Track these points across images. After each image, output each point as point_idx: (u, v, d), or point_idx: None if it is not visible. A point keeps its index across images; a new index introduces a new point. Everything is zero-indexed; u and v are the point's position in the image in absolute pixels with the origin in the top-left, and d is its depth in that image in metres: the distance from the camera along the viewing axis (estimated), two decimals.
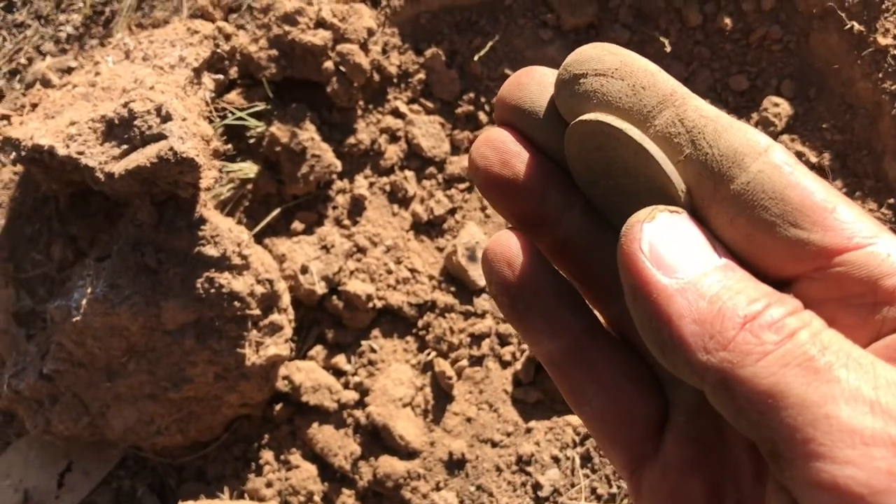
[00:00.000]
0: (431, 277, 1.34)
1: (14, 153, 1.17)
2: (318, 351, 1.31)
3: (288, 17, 1.32)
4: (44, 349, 1.23)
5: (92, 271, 1.14)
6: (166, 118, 1.08)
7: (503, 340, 1.31)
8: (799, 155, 1.30)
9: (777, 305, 0.29)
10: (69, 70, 1.40)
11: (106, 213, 1.30)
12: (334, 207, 1.36)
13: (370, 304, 1.30)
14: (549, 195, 0.37)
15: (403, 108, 1.39)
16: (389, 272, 1.33)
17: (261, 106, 1.33)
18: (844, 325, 0.30)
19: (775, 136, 1.32)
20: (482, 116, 1.40)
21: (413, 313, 1.32)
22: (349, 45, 1.32)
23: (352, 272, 1.32)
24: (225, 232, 1.14)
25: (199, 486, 1.28)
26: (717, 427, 0.34)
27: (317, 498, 1.25)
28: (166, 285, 1.13)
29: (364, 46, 1.35)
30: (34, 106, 1.32)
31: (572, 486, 1.22)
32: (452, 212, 1.38)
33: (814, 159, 1.31)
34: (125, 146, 1.10)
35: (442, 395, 1.29)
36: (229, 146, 1.32)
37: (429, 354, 1.30)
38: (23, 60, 1.43)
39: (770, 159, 0.31)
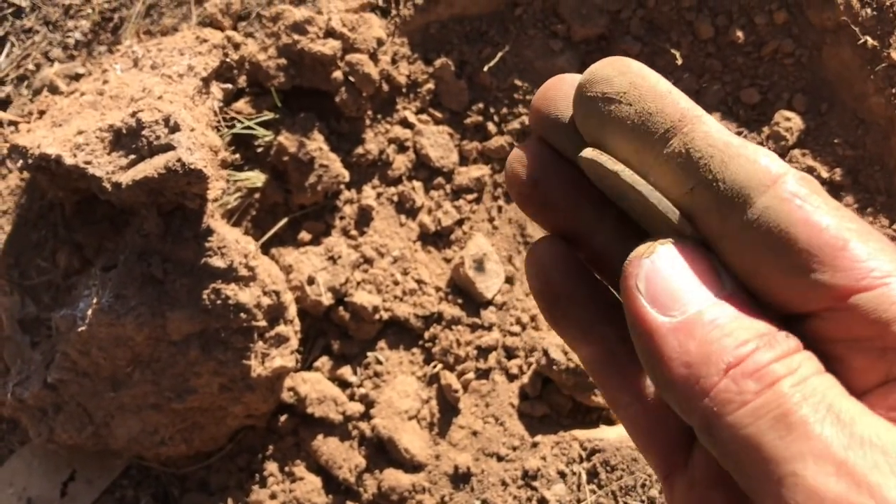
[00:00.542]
0: (438, 289, 1.33)
1: (21, 161, 1.17)
2: (324, 362, 1.31)
3: (297, 26, 1.31)
4: (48, 358, 1.22)
5: (98, 281, 1.14)
6: (174, 129, 1.07)
7: (510, 353, 1.30)
8: (810, 170, 1.29)
9: (765, 349, 0.28)
10: (77, 76, 1.40)
11: (112, 221, 1.30)
12: (341, 218, 1.35)
13: (376, 316, 1.29)
14: (581, 210, 0.37)
15: (412, 118, 1.38)
16: (396, 283, 1.32)
17: (269, 115, 1.32)
18: (853, 366, 0.29)
19: (787, 150, 1.31)
20: (491, 127, 1.39)
21: (419, 325, 1.31)
22: (358, 55, 1.32)
23: (358, 283, 1.31)
24: (232, 243, 1.13)
25: (202, 497, 1.27)
26: None
27: None
28: (172, 296, 1.12)
29: (373, 56, 1.34)
30: (42, 113, 1.32)
31: (578, 501, 1.21)
32: (460, 223, 1.37)
33: (825, 174, 1.30)
34: (133, 156, 1.09)
35: (448, 407, 1.29)
36: (237, 155, 1.32)
37: (435, 367, 1.29)
38: (31, 66, 1.43)
39: (778, 192, 0.30)
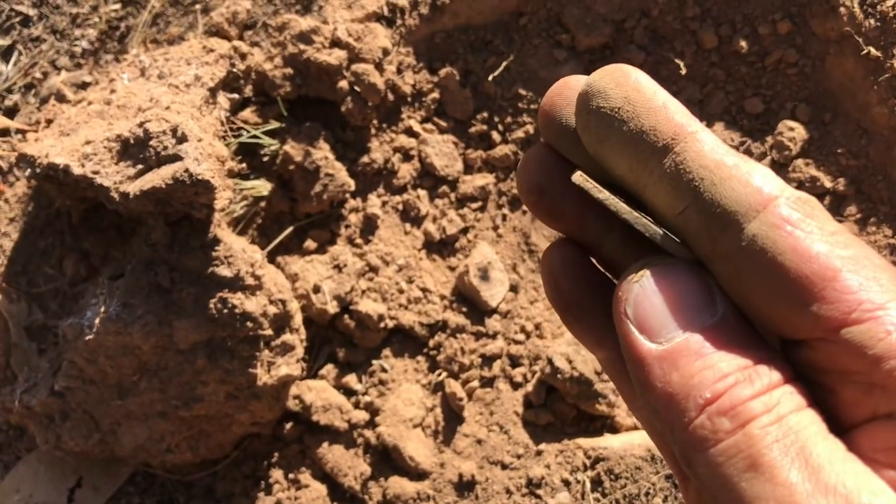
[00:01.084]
0: (443, 297, 1.34)
1: (29, 169, 1.18)
2: (329, 370, 1.31)
3: (303, 36, 1.32)
4: (55, 365, 1.23)
5: (105, 290, 1.14)
6: (182, 139, 1.08)
7: (514, 362, 1.31)
8: (813, 180, 1.30)
9: (745, 385, 0.28)
10: (84, 85, 1.41)
11: (118, 229, 1.31)
12: (347, 226, 1.36)
13: (382, 324, 1.30)
14: (587, 219, 0.37)
15: (417, 128, 1.39)
16: (401, 292, 1.33)
17: (275, 124, 1.33)
18: (843, 399, 0.29)
19: (790, 160, 1.32)
20: (495, 136, 1.40)
21: (424, 333, 1.32)
22: (364, 65, 1.33)
23: (364, 291, 1.32)
24: (238, 252, 1.14)
25: None
26: None
27: None
28: (179, 305, 1.13)
29: (379, 66, 1.35)
30: (49, 122, 1.32)
31: None
32: (465, 231, 1.38)
33: (828, 184, 1.31)
34: (140, 166, 1.10)
35: (452, 416, 1.29)
36: (243, 164, 1.33)
37: (439, 375, 1.30)
38: (38, 75, 1.44)
39: (769, 218, 0.29)
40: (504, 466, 1.26)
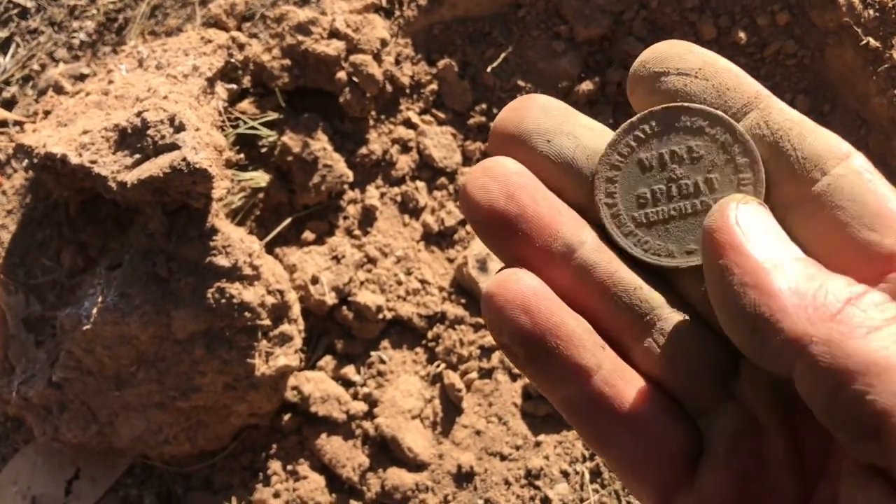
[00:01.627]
0: (441, 289, 1.34)
1: (27, 160, 1.18)
2: (328, 361, 1.31)
3: (301, 27, 1.32)
4: (53, 357, 1.23)
5: (103, 280, 1.14)
6: (179, 128, 1.08)
7: None
8: None
9: (874, 291, 0.29)
10: (82, 77, 1.40)
11: (116, 220, 1.30)
12: (345, 217, 1.36)
13: (380, 315, 1.30)
14: (560, 230, 0.35)
15: (415, 119, 1.39)
16: (399, 283, 1.32)
17: (273, 115, 1.32)
18: None
19: None
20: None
21: (423, 325, 1.31)
22: (362, 56, 1.32)
23: (362, 283, 1.32)
24: (236, 242, 1.14)
25: (206, 496, 1.27)
26: (757, 453, 0.34)
27: None
28: (177, 295, 1.13)
29: (377, 57, 1.35)
30: (47, 113, 1.32)
31: (581, 500, 1.22)
32: (463, 223, 1.37)
33: None
34: (138, 155, 1.10)
35: (451, 407, 1.29)
36: (241, 155, 1.32)
37: (438, 366, 1.30)
38: (36, 67, 1.44)
39: (851, 165, 0.32)
40: (503, 457, 1.26)
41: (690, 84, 0.34)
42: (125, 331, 1.12)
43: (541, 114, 0.36)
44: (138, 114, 1.10)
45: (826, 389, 0.28)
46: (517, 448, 1.26)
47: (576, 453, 1.24)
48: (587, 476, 1.22)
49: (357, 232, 1.35)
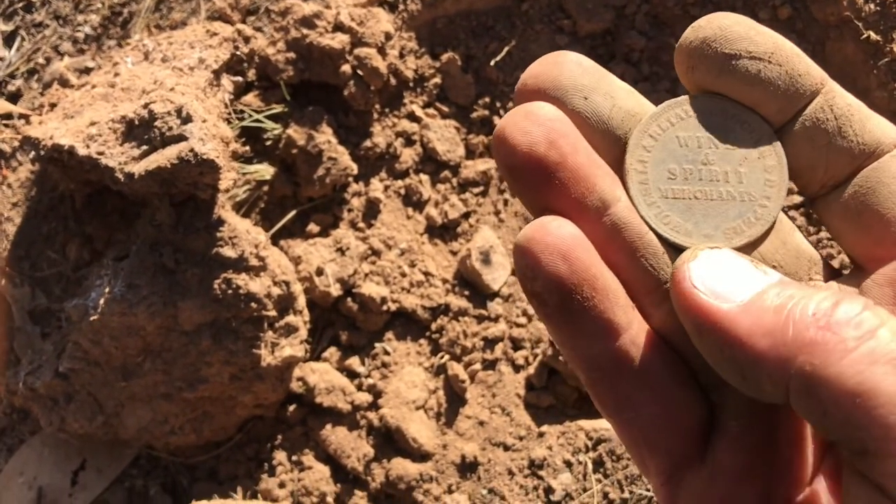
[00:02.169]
0: (445, 281, 1.35)
1: (33, 152, 1.18)
2: (332, 353, 1.32)
3: (306, 20, 1.33)
4: (59, 348, 1.23)
5: (110, 271, 1.15)
6: (186, 119, 1.09)
7: (516, 344, 1.31)
8: None
9: (848, 302, 0.28)
10: (87, 70, 1.41)
11: (122, 213, 1.31)
12: (349, 210, 1.37)
13: (384, 307, 1.30)
14: (597, 184, 0.34)
15: (419, 112, 1.39)
16: (403, 275, 1.33)
17: (278, 108, 1.33)
18: None
19: None
20: (497, 121, 1.40)
21: (427, 316, 1.32)
22: (367, 49, 1.33)
23: (366, 275, 1.33)
24: (243, 233, 1.15)
25: (211, 486, 1.28)
26: (769, 431, 0.34)
27: (329, 499, 1.25)
28: (184, 286, 1.13)
29: (381, 50, 1.35)
30: (52, 106, 1.33)
31: (584, 490, 1.22)
32: (466, 216, 1.38)
33: None
34: (145, 147, 1.10)
35: (455, 398, 1.30)
36: (246, 148, 1.33)
37: (442, 357, 1.31)
38: (41, 60, 1.44)
39: None
40: (506, 448, 1.27)
41: (764, 70, 0.34)
42: (132, 321, 1.13)
43: (577, 70, 0.34)
44: (145, 105, 1.11)
45: (813, 418, 0.28)
46: (520, 438, 1.27)
47: (579, 444, 1.25)
48: (590, 466, 1.23)
49: (361, 224, 1.36)
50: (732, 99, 0.35)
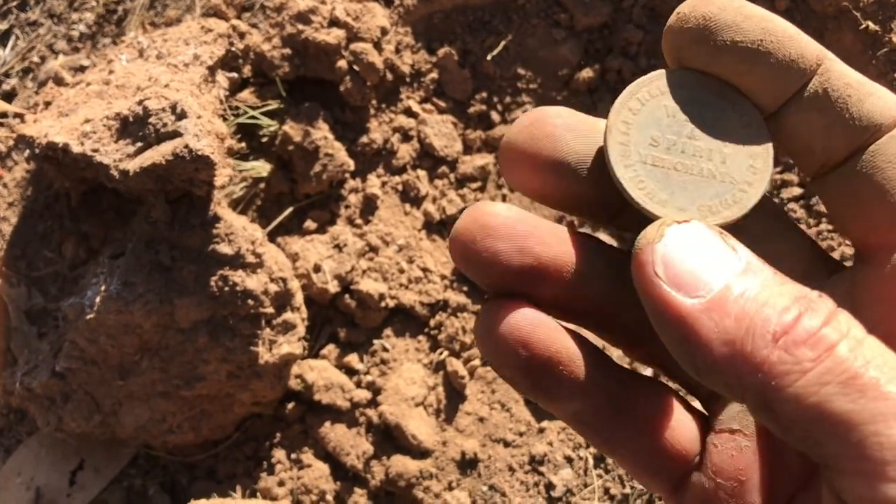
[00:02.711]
0: (443, 277, 1.34)
1: (28, 151, 1.18)
2: (331, 350, 1.31)
3: (301, 16, 1.32)
4: (56, 347, 1.23)
5: (106, 269, 1.14)
6: (181, 116, 1.08)
7: None
8: None
9: (810, 314, 0.27)
10: (82, 68, 1.40)
11: (117, 211, 1.30)
12: (347, 206, 1.36)
13: (382, 304, 1.30)
14: (560, 243, 0.35)
15: (416, 108, 1.39)
16: (402, 271, 1.33)
17: (274, 105, 1.33)
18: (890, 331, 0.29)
19: None
20: (494, 116, 1.40)
21: (425, 313, 1.32)
22: (362, 44, 1.32)
23: (364, 271, 1.32)
24: (239, 230, 1.14)
25: (210, 485, 1.27)
26: (768, 431, 0.34)
27: (329, 497, 1.24)
28: (180, 283, 1.13)
29: (377, 45, 1.35)
30: (47, 104, 1.32)
31: (585, 486, 1.22)
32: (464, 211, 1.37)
33: None
34: (140, 144, 1.10)
35: (454, 394, 1.29)
36: (242, 145, 1.32)
37: (441, 354, 1.30)
38: (35, 59, 1.44)
39: None
40: (507, 444, 1.26)
41: (754, 59, 0.33)
42: (129, 319, 1.12)
43: (578, 135, 0.36)
44: (140, 102, 1.10)
45: (774, 431, 0.28)
46: (521, 434, 1.26)
47: (579, 439, 1.24)
48: (591, 461, 1.23)
49: (358, 221, 1.35)
50: (727, 82, 0.34)
